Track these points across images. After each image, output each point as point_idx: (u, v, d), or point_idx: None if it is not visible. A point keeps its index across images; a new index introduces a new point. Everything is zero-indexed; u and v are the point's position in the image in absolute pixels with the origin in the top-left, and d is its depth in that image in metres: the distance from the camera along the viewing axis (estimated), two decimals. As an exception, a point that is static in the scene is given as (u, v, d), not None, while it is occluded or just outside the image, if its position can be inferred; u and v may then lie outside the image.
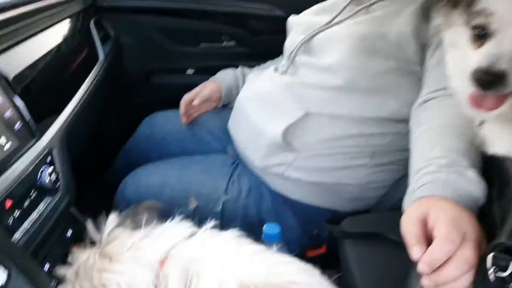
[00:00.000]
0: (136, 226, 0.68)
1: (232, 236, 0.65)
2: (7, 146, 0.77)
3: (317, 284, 0.57)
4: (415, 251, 0.53)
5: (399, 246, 0.71)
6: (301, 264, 0.61)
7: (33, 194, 0.79)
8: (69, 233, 0.92)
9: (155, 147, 1.26)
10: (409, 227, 0.57)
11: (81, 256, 0.68)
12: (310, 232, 1.01)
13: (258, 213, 1.01)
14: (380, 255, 0.74)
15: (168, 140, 1.24)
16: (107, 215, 1.14)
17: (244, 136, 1.02)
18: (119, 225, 0.69)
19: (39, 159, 0.82)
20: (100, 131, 1.43)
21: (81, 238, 0.97)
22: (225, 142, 1.20)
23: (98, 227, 0.72)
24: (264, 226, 0.85)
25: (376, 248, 0.75)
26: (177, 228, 0.66)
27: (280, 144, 0.90)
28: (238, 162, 1.09)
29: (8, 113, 0.80)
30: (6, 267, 0.40)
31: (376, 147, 0.91)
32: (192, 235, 0.64)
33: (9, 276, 0.41)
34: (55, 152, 0.87)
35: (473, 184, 0.61)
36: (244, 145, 1.02)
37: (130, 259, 0.62)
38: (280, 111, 0.93)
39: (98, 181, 1.35)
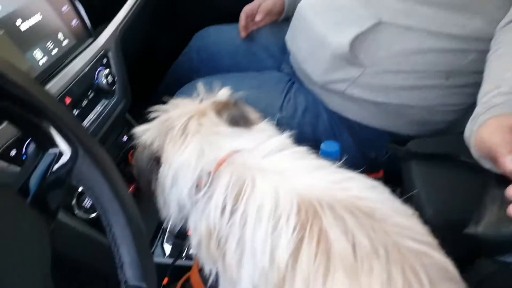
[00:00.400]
0: (228, 117, 0.63)
1: (299, 150, 0.61)
2: (65, 42, 0.76)
3: (387, 201, 0.52)
4: (506, 160, 0.48)
5: (473, 169, 0.66)
6: (369, 180, 0.56)
7: (91, 95, 0.79)
8: (125, 138, 0.92)
9: (207, 62, 1.21)
10: (496, 138, 0.52)
11: (177, 110, 0.65)
12: (367, 155, 0.96)
13: (313, 132, 0.96)
14: (451, 177, 0.69)
15: (221, 54, 1.19)
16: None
17: (304, 48, 0.94)
18: (217, 108, 0.64)
19: (95, 59, 0.80)
20: (152, 43, 1.40)
21: (136, 146, 0.98)
22: (280, 60, 1.14)
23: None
24: (322, 144, 0.81)
25: (446, 170, 0.70)
26: (254, 134, 0.61)
27: (346, 56, 0.82)
28: (294, 80, 1.03)
29: (65, 8, 0.77)
30: (73, 144, 0.39)
31: (454, 66, 0.81)
32: (262, 143, 0.59)
33: (75, 154, 0.39)
34: (110, 54, 0.85)
35: None
36: (304, 58, 0.95)
37: (195, 145, 0.59)
38: (348, 19, 0.83)
39: (150, 95, 1.34)
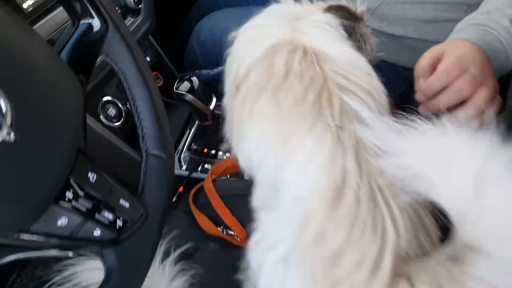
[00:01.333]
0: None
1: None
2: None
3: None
4: (419, 83, 0.58)
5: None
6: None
7: (117, 11, 0.83)
8: (147, 59, 0.97)
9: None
10: (420, 62, 0.60)
11: None
12: (381, 91, 0.98)
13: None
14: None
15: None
16: (181, 58, 1.18)
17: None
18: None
19: (122, -25, 0.83)
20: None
21: (159, 68, 1.03)
22: (303, -4, 1.14)
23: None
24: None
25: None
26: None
27: (366, -17, 0.83)
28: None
29: None
30: (103, 19, 0.43)
31: (475, -1, 0.82)
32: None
33: (106, 27, 0.43)
34: (137, -28, 0.88)
35: (504, 31, 0.60)
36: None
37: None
38: None
39: (172, 32, 1.37)
